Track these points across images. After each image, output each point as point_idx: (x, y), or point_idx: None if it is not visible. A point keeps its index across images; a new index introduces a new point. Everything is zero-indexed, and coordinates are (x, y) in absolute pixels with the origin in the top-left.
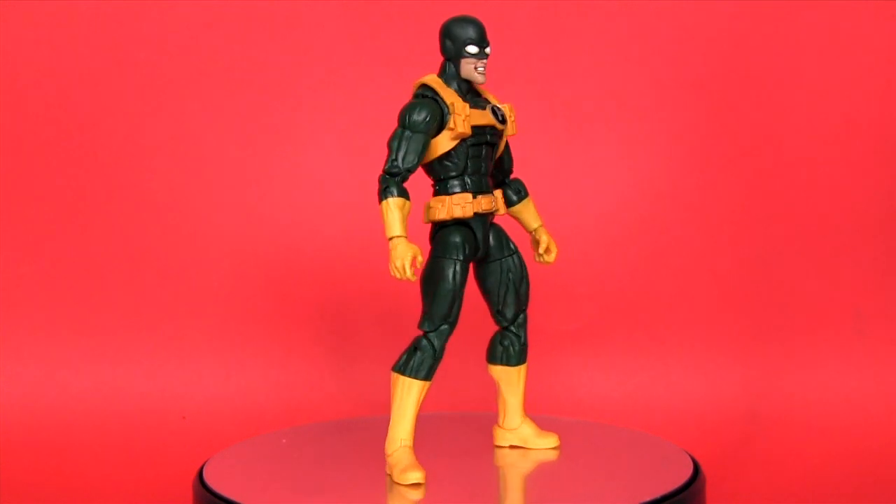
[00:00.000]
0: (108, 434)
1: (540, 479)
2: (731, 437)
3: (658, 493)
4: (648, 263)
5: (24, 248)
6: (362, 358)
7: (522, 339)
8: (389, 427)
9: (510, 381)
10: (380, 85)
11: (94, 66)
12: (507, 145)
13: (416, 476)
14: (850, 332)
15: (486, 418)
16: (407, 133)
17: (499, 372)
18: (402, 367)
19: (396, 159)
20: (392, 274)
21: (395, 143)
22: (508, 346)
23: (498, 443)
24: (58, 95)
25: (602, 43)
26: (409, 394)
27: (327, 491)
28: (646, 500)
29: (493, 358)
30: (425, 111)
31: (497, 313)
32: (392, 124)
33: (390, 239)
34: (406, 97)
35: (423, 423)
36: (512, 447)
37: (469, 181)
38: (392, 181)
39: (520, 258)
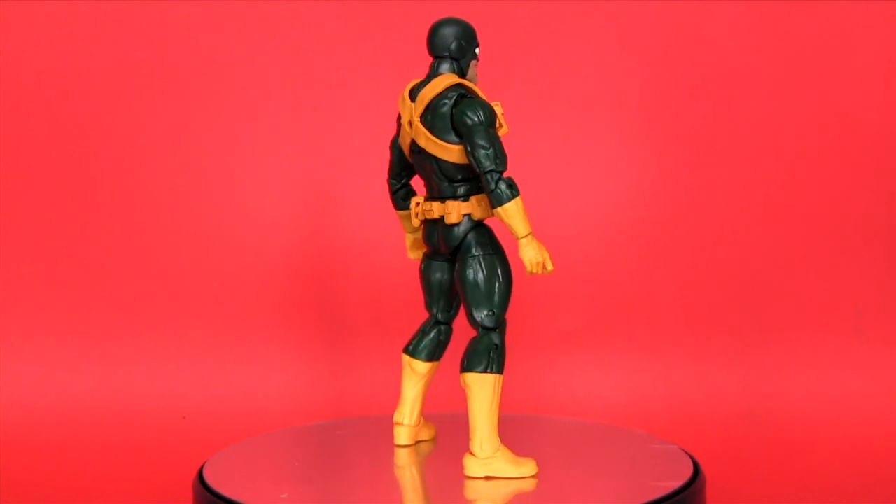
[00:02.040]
0: (108, 434)
1: (539, 479)
2: (731, 437)
3: (658, 493)
4: (648, 263)
5: (24, 248)
6: (362, 358)
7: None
8: (481, 429)
9: (431, 375)
10: (380, 85)
11: (94, 66)
12: None
13: (534, 465)
14: (850, 332)
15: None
16: (492, 131)
17: (430, 368)
18: (491, 367)
19: (504, 157)
20: (530, 271)
21: (492, 142)
22: (444, 340)
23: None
24: (58, 95)
25: (602, 43)
26: (497, 391)
27: (327, 491)
28: (646, 501)
29: (430, 355)
30: (489, 109)
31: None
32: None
33: (524, 236)
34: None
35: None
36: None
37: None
38: (509, 179)
39: None
